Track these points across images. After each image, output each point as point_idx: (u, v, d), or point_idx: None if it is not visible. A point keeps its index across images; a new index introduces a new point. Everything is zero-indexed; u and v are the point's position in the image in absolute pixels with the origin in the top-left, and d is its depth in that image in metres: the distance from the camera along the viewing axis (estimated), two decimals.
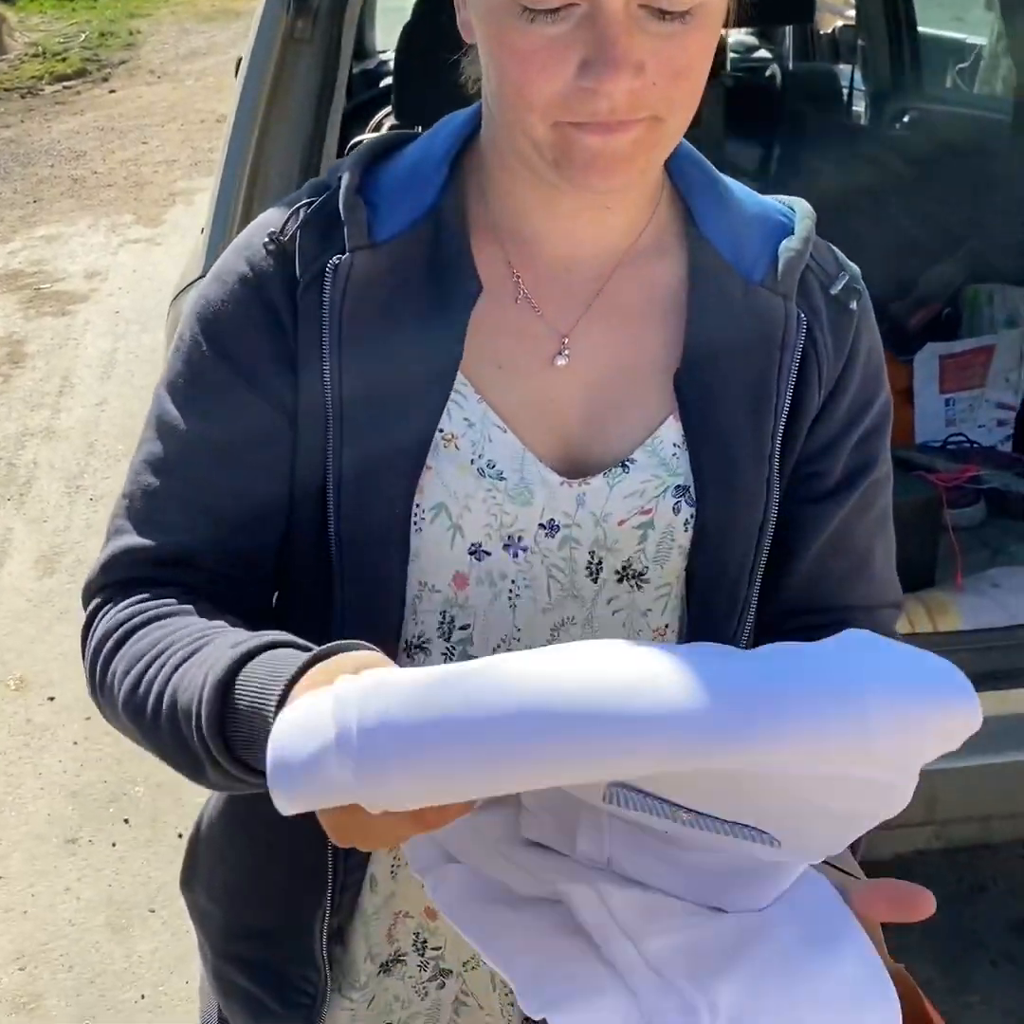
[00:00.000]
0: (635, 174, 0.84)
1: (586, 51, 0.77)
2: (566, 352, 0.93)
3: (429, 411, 0.90)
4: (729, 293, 0.93)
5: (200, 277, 1.91)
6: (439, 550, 0.92)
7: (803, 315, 0.93)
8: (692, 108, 0.84)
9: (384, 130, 3.16)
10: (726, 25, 0.87)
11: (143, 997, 2.34)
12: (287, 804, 0.60)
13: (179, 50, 12.47)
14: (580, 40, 0.77)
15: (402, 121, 2.83)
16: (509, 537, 0.92)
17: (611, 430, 0.94)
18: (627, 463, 0.93)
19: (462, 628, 0.94)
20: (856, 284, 0.96)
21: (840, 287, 0.95)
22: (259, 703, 0.73)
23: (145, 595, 0.89)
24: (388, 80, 3.51)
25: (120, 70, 11.63)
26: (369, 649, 0.72)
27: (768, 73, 3.87)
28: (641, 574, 0.95)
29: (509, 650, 0.91)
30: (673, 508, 0.93)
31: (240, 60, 4.05)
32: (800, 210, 0.97)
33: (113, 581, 0.92)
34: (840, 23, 4.49)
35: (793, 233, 0.95)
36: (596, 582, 0.94)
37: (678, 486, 0.93)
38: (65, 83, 11.08)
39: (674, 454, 0.94)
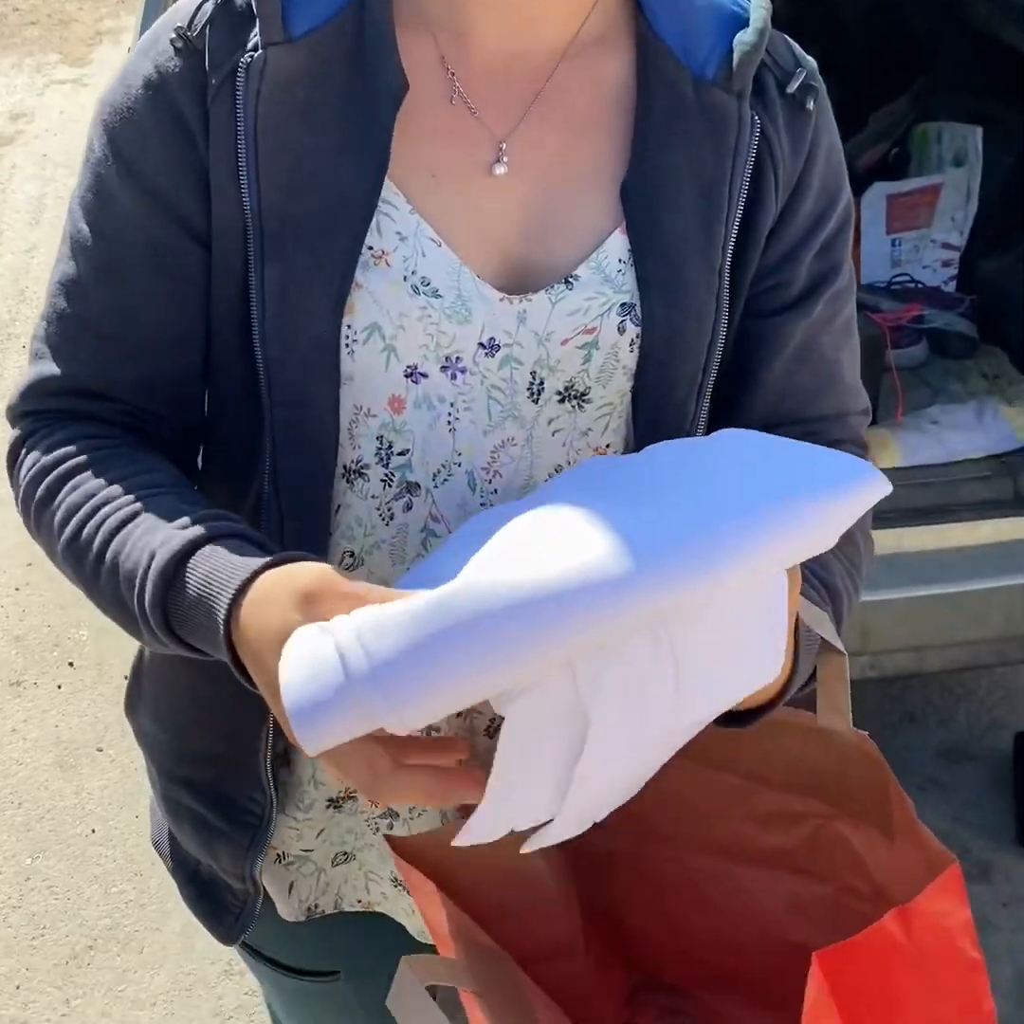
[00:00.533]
0: None
1: None
2: (504, 159, 0.87)
3: (356, 223, 0.85)
4: (680, 93, 0.88)
5: None
6: (373, 373, 0.88)
7: (757, 117, 0.88)
8: None
9: None
10: None
11: (94, 831, 2.40)
12: (315, 745, 0.65)
13: None
14: None
15: None
16: (447, 357, 0.88)
17: (554, 244, 0.89)
18: (571, 279, 0.88)
19: (401, 453, 0.90)
20: (813, 81, 0.90)
21: (797, 84, 0.88)
22: (208, 602, 0.76)
23: (71, 434, 0.89)
24: None
25: None
26: (317, 561, 0.75)
27: None
28: (583, 394, 0.91)
29: (450, 475, 0.90)
30: (618, 327, 0.89)
31: None
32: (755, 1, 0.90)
33: (35, 410, 0.92)
34: None
35: (747, 25, 0.88)
36: (537, 402, 0.91)
37: (624, 304, 0.89)
38: None
39: (620, 270, 0.89)
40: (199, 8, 0.85)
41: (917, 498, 2.00)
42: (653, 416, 0.92)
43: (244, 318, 0.87)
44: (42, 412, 0.91)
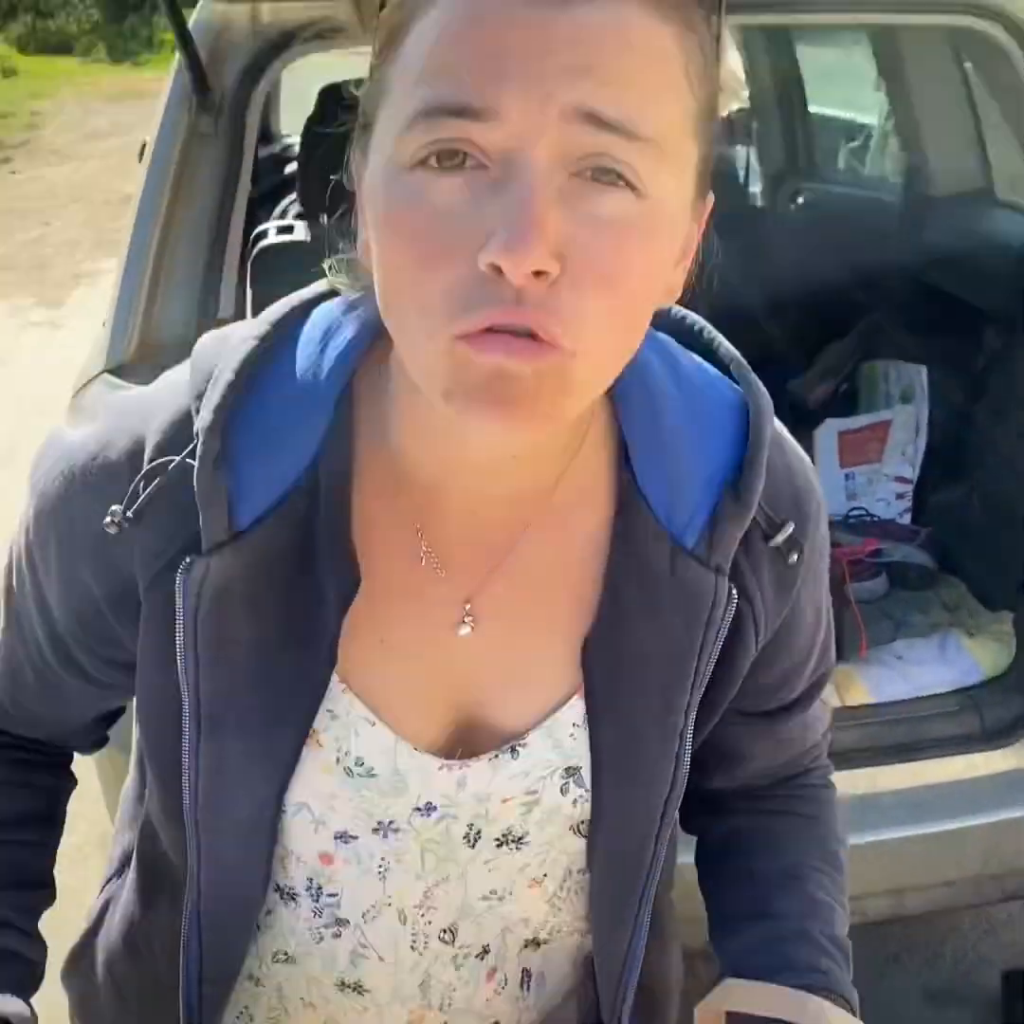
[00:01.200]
0: (539, 420, 0.65)
1: (492, 222, 0.61)
2: (468, 620, 0.81)
3: (299, 719, 0.79)
4: (655, 562, 0.80)
5: (101, 372, 1.90)
6: (302, 836, 0.85)
7: (734, 590, 0.81)
8: (618, 338, 0.67)
9: (290, 218, 3.19)
10: (686, 253, 0.72)
11: None
12: None
13: (83, 131, 12.46)
14: (486, 210, 0.61)
15: (306, 209, 2.86)
16: (379, 822, 0.84)
17: (508, 705, 0.83)
18: (517, 747, 0.83)
19: (330, 895, 0.88)
20: (800, 535, 0.83)
21: (782, 538, 0.82)
22: None
23: None
24: (293, 166, 3.55)
25: (21, 151, 11.58)
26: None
27: None
28: (521, 838, 0.87)
29: (379, 913, 0.88)
30: (561, 789, 0.85)
31: (144, 145, 4.04)
32: (754, 425, 0.81)
33: None
34: (735, 106, 4.63)
35: (740, 474, 0.80)
36: (473, 848, 0.86)
37: (568, 768, 0.84)
38: None
39: (571, 735, 0.83)
40: (137, 485, 0.76)
41: (888, 735, 2.00)
42: (606, 868, 0.90)
43: (173, 774, 0.83)
44: None
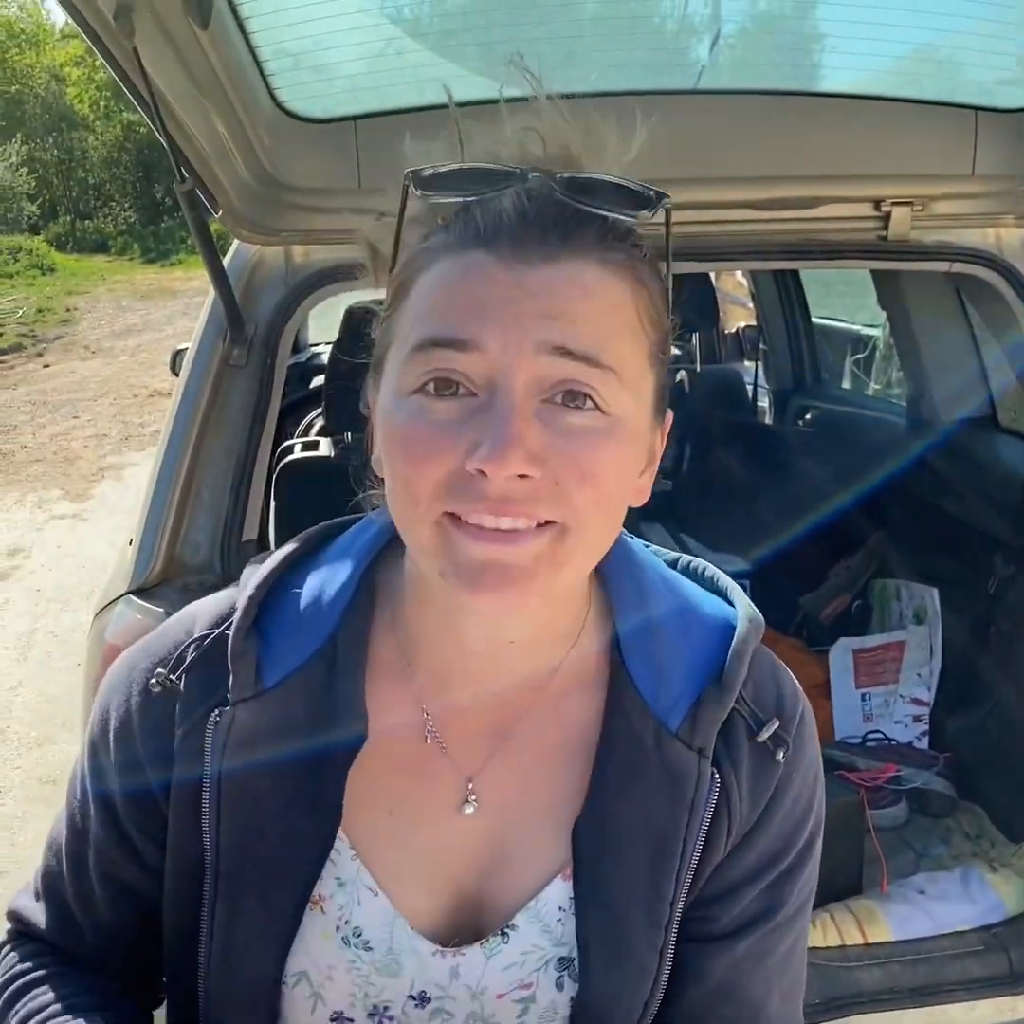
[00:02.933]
0: (533, 597, 0.76)
1: (479, 433, 0.73)
2: (472, 799, 0.87)
3: (304, 878, 0.85)
4: (642, 740, 0.86)
5: (125, 593, 1.93)
6: (300, 1015, 0.88)
7: (717, 773, 0.86)
8: (603, 522, 0.78)
9: (314, 432, 3.29)
10: (650, 461, 0.84)
11: None
12: None
13: (114, 327, 12.96)
14: (473, 423, 0.73)
15: (331, 424, 2.96)
16: (374, 1006, 0.87)
17: (501, 884, 0.87)
18: (507, 930, 0.86)
19: None
20: (785, 732, 0.88)
21: (768, 734, 0.87)
22: None
23: (31, 964, 0.95)
24: (319, 379, 3.67)
25: (55, 345, 12.02)
26: None
27: (677, 378, 4.11)
28: None
29: None
30: (556, 983, 0.86)
31: (176, 353, 4.20)
32: (738, 634, 0.88)
33: (15, 930, 1.00)
34: (743, 323, 4.81)
35: (724, 667, 0.87)
36: None
37: (561, 958, 0.86)
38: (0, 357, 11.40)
39: (559, 919, 0.86)
40: (180, 652, 0.88)
41: (911, 976, 1.94)
42: None
43: (193, 941, 0.89)
44: (20, 933, 0.99)
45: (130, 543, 2.09)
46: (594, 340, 0.75)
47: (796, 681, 0.93)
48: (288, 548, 0.92)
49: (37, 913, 0.97)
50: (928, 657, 2.61)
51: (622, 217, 0.78)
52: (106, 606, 2.01)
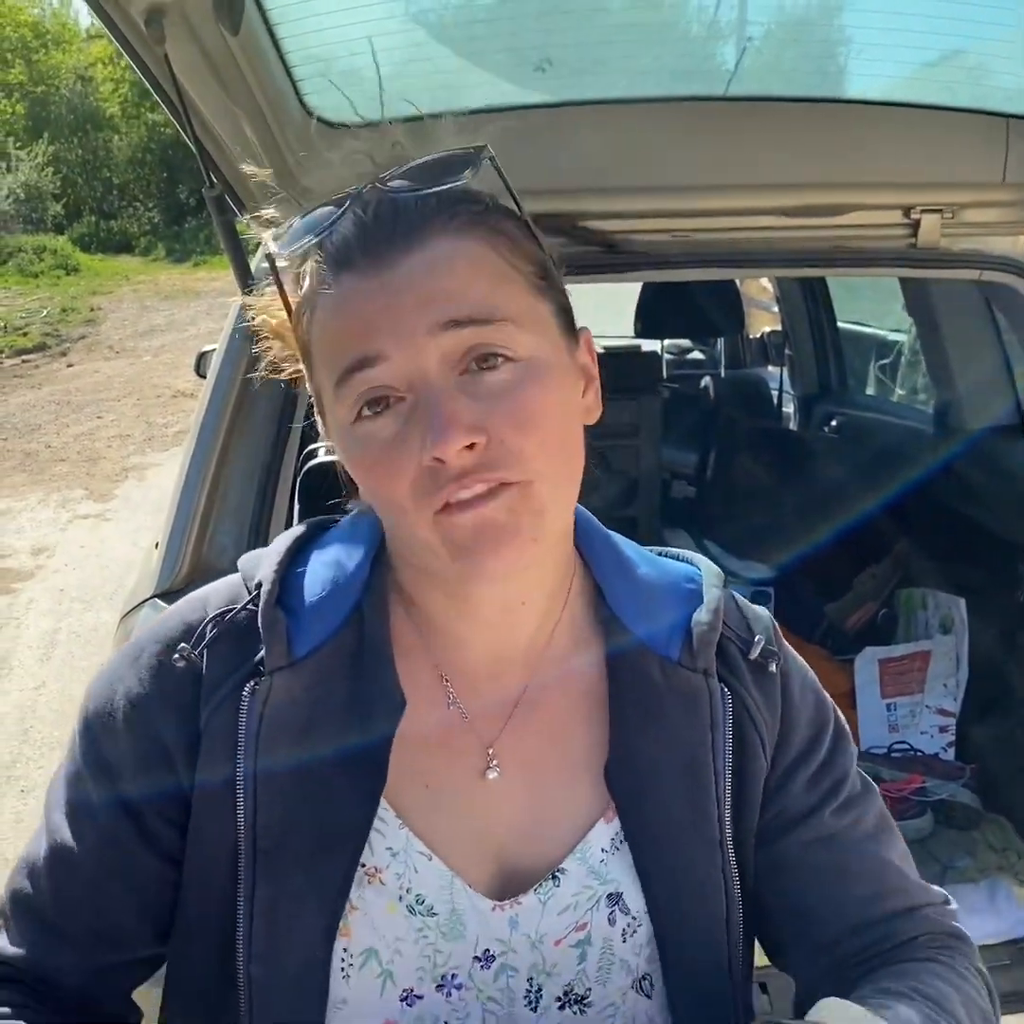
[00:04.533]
0: (526, 544, 0.81)
1: (420, 432, 0.78)
2: (494, 764, 0.90)
3: (352, 845, 0.86)
4: (649, 675, 0.92)
5: (151, 597, 1.93)
6: (368, 999, 0.86)
7: (726, 689, 0.92)
8: (561, 460, 0.83)
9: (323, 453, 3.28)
10: (588, 379, 0.89)
11: None
12: None
13: (138, 327, 13.00)
14: (413, 426, 0.79)
15: None
16: (443, 977, 0.88)
17: (543, 838, 0.90)
18: (557, 874, 0.89)
19: None
20: (771, 645, 0.96)
21: (757, 652, 0.94)
22: None
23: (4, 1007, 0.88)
24: None
25: (79, 345, 12.07)
26: None
27: (702, 384, 4.10)
28: (583, 997, 0.90)
29: None
30: (608, 919, 0.89)
31: (201, 355, 4.22)
32: (706, 575, 0.97)
33: None
34: (768, 328, 4.79)
35: (702, 602, 0.94)
36: (536, 1010, 0.89)
37: (610, 895, 0.90)
38: (24, 357, 11.45)
39: (602, 860, 0.90)
40: (200, 627, 0.88)
41: None
42: (685, 998, 0.91)
43: (227, 936, 0.86)
44: None
45: (156, 546, 2.09)
46: (474, 302, 0.80)
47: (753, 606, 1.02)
48: (292, 533, 0.96)
49: (6, 946, 0.90)
50: (954, 667, 2.60)
51: (451, 183, 0.83)
52: (132, 609, 2.01)
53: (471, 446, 0.78)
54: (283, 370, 0.93)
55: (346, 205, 0.83)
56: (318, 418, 0.90)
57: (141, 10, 1.50)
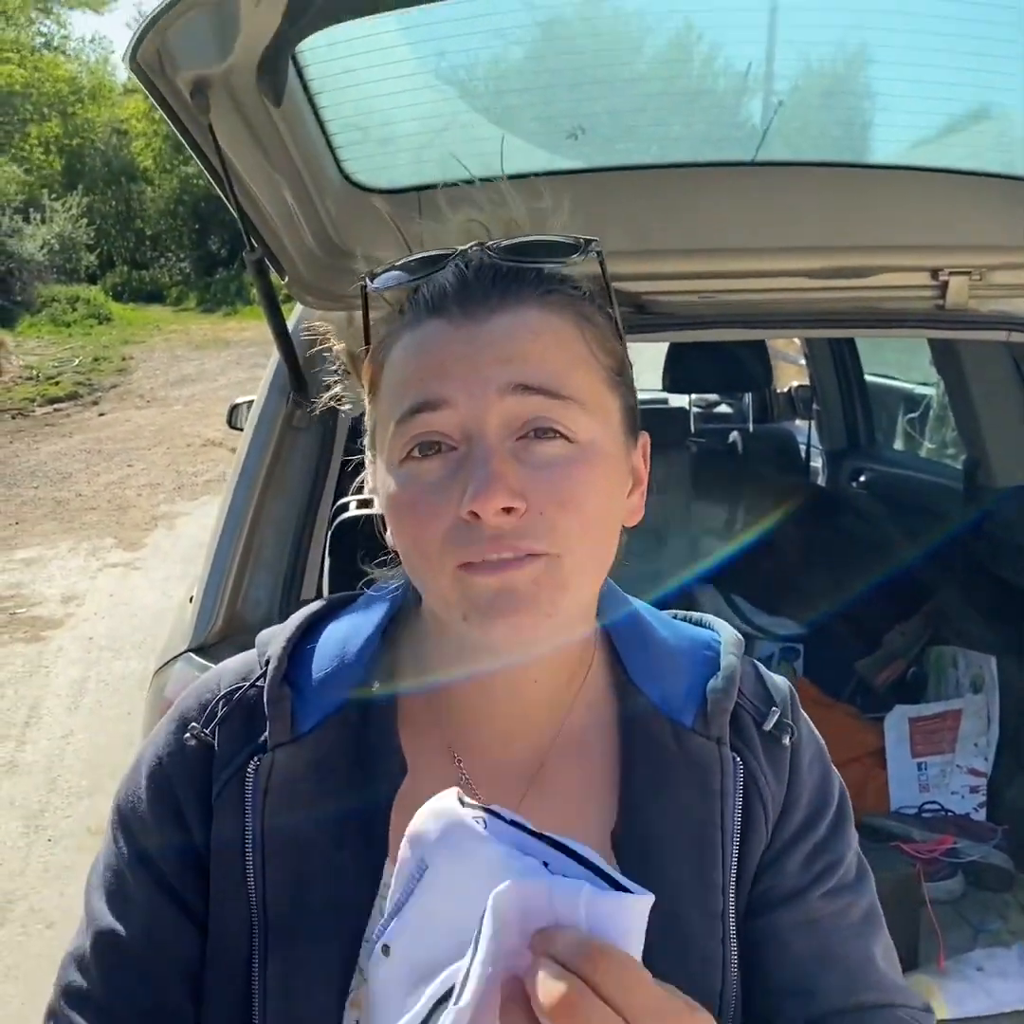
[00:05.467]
0: (542, 619, 0.81)
1: (464, 483, 0.80)
2: None
3: (356, 919, 0.86)
4: (662, 744, 0.92)
5: (185, 651, 1.96)
6: None
7: (738, 758, 0.92)
8: (594, 545, 0.84)
9: (368, 490, 3.32)
10: (637, 482, 0.91)
11: None
12: None
13: (169, 376, 13.15)
14: (460, 476, 0.80)
15: None
16: None
17: None
18: None
19: None
20: (786, 718, 0.95)
21: (772, 723, 0.94)
22: None
23: None
24: None
25: (111, 394, 12.22)
26: None
27: (730, 439, 4.12)
28: None
29: None
30: None
31: (233, 407, 4.26)
32: (724, 641, 0.97)
33: None
34: (795, 383, 4.81)
35: (720, 665, 0.95)
36: None
37: None
38: (56, 405, 11.60)
39: None
40: (211, 708, 0.91)
41: None
42: None
43: (244, 1012, 0.86)
44: None
45: (190, 600, 2.12)
46: (548, 373, 0.82)
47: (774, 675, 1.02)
48: (308, 608, 0.98)
49: None
50: (985, 726, 2.58)
51: (553, 265, 0.87)
52: (166, 663, 2.04)
53: (510, 510, 0.79)
54: (340, 398, 0.97)
55: (451, 258, 0.86)
56: (367, 452, 0.92)
57: (187, 82, 1.55)
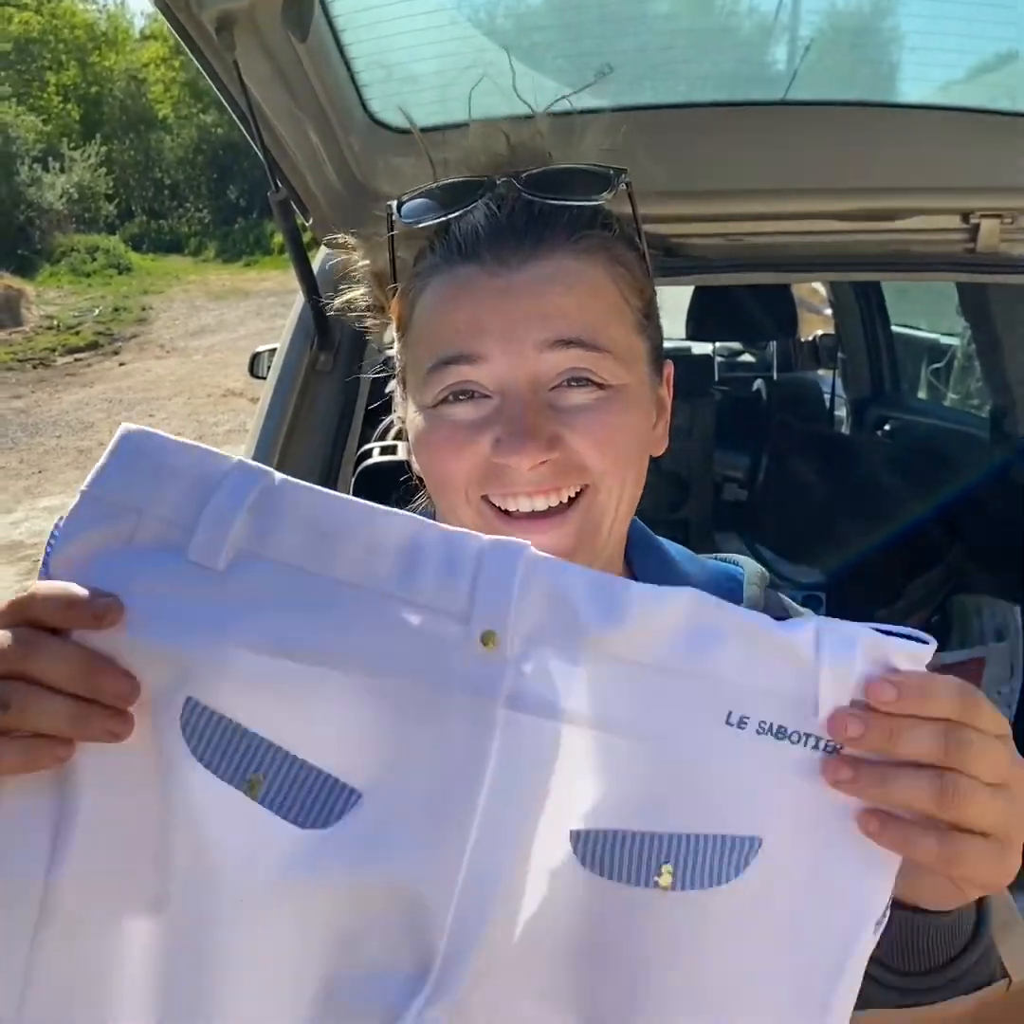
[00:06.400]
0: (570, 535, 0.83)
1: (498, 431, 0.81)
2: None
3: None
4: None
5: None
6: None
7: None
8: (625, 482, 0.85)
9: (392, 436, 3.31)
10: (661, 412, 0.92)
11: None
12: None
13: (189, 326, 13.14)
14: (493, 423, 0.82)
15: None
16: None
17: None
18: None
19: None
20: None
21: None
22: None
23: None
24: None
25: (131, 344, 12.22)
26: None
27: (754, 387, 4.09)
28: None
29: None
30: None
31: (255, 356, 4.25)
32: (748, 573, 0.98)
33: None
34: (820, 332, 4.77)
35: (743, 593, 0.95)
36: None
37: None
38: (77, 355, 11.62)
39: None
40: None
41: None
42: None
43: None
44: None
45: None
46: (583, 326, 0.83)
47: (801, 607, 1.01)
48: None
49: None
50: (1009, 674, 2.58)
51: (586, 203, 0.86)
52: None
53: (543, 462, 0.81)
54: (363, 321, 0.96)
55: (481, 190, 0.86)
56: (397, 387, 0.93)
57: (212, 18, 1.53)
